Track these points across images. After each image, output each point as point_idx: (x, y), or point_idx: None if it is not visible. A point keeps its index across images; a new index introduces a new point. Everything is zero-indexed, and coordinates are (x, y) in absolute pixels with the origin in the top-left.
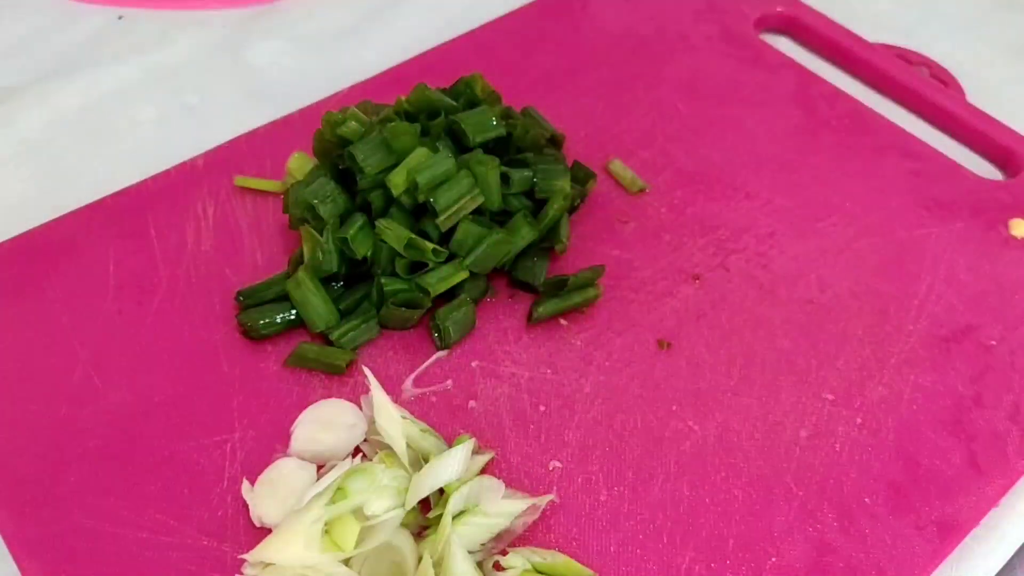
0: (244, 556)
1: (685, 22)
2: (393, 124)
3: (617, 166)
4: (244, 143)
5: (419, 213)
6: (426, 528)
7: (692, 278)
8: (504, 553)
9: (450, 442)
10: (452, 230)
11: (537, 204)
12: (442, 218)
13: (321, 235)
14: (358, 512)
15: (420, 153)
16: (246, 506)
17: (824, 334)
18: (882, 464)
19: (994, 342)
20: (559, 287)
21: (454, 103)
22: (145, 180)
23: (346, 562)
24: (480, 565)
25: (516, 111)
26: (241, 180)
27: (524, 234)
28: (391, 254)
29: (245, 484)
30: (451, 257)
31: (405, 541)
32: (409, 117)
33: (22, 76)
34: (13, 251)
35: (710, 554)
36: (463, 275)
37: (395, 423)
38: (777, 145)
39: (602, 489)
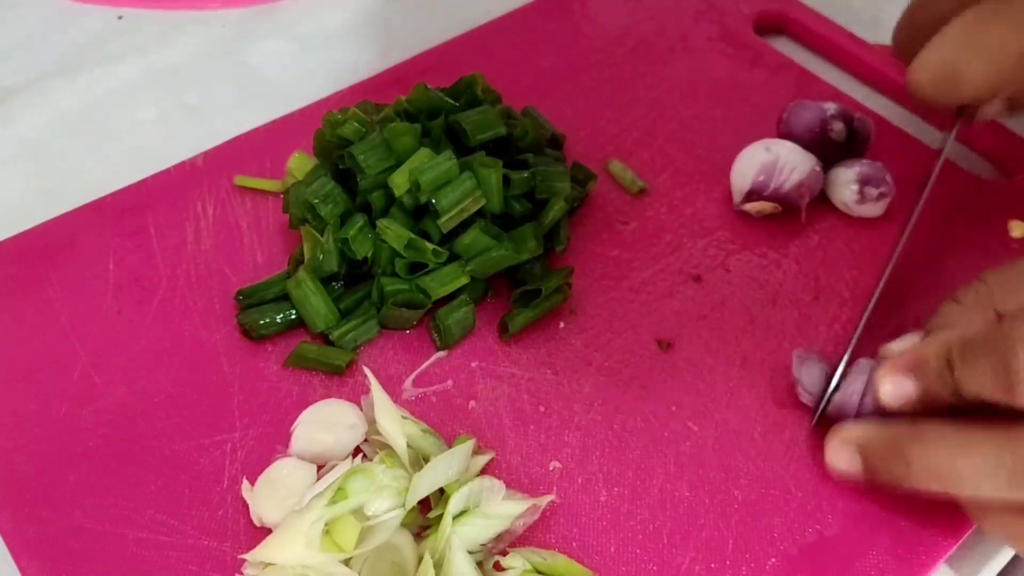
0: (244, 556)
1: (685, 22)
2: (393, 124)
3: (617, 166)
4: (244, 143)
5: (419, 214)
6: (426, 528)
7: (693, 279)
8: (504, 553)
9: (450, 442)
10: (452, 231)
11: (537, 205)
12: (444, 219)
13: (321, 235)
14: (358, 512)
15: (422, 154)
16: (246, 506)
17: (822, 336)
18: None
19: None
20: (532, 296)
21: (454, 103)
22: (145, 179)
23: (346, 562)
24: (480, 565)
25: (516, 111)
26: (241, 180)
27: (530, 247)
28: (391, 254)
29: (245, 484)
30: (452, 258)
31: (405, 541)
32: (409, 117)
33: (22, 76)
34: (13, 251)
35: (710, 554)
36: (464, 280)
37: (396, 423)
38: None
39: (602, 489)
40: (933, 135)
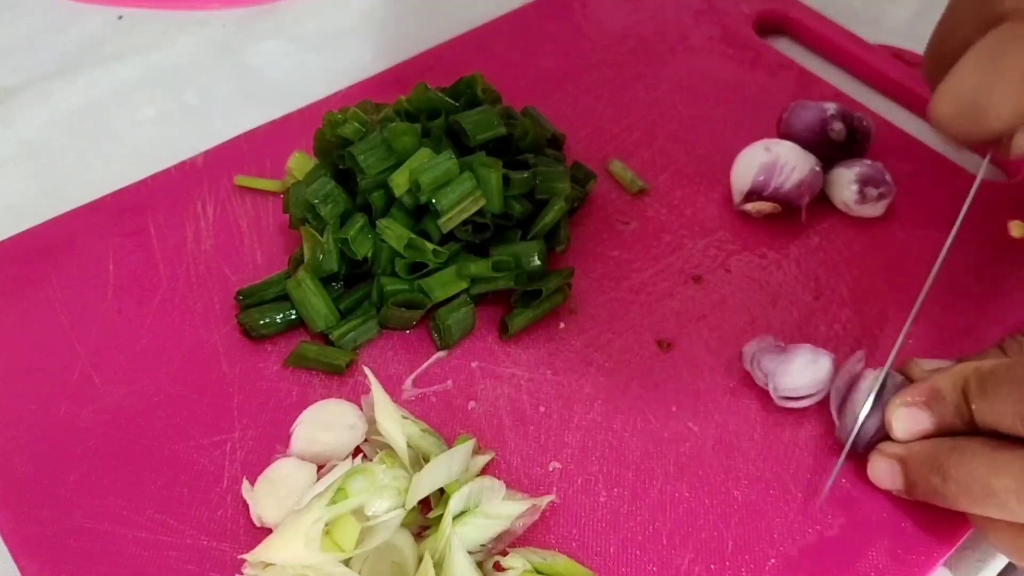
0: (244, 556)
1: (685, 22)
2: (394, 124)
3: (617, 166)
4: (244, 143)
5: (419, 214)
6: (426, 528)
7: (693, 279)
8: (504, 553)
9: (450, 442)
10: (453, 235)
11: (537, 205)
12: (444, 219)
13: (321, 235)
14: (358, 512)
15: (423, 153)
16: (246, 506)
17: (822, 336)
18: None
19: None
20: (532, 297)
21: (454, 103)
22: (145, 179)
23: (346, 562)
24: (480, 565)
25: (516, 111)
26: (241, 180)
27: (535, 266)
28: (391, 254)
29: (245, 484)
30: (451, 258)
31: (406, 541)
32: (409, 117)
33: (22, 76)
34: (13, 250)
35: (709, 555)
36: (463, 284)
37: (396, 423)
38: None
39: (602, 490)
40: (933, 135)
